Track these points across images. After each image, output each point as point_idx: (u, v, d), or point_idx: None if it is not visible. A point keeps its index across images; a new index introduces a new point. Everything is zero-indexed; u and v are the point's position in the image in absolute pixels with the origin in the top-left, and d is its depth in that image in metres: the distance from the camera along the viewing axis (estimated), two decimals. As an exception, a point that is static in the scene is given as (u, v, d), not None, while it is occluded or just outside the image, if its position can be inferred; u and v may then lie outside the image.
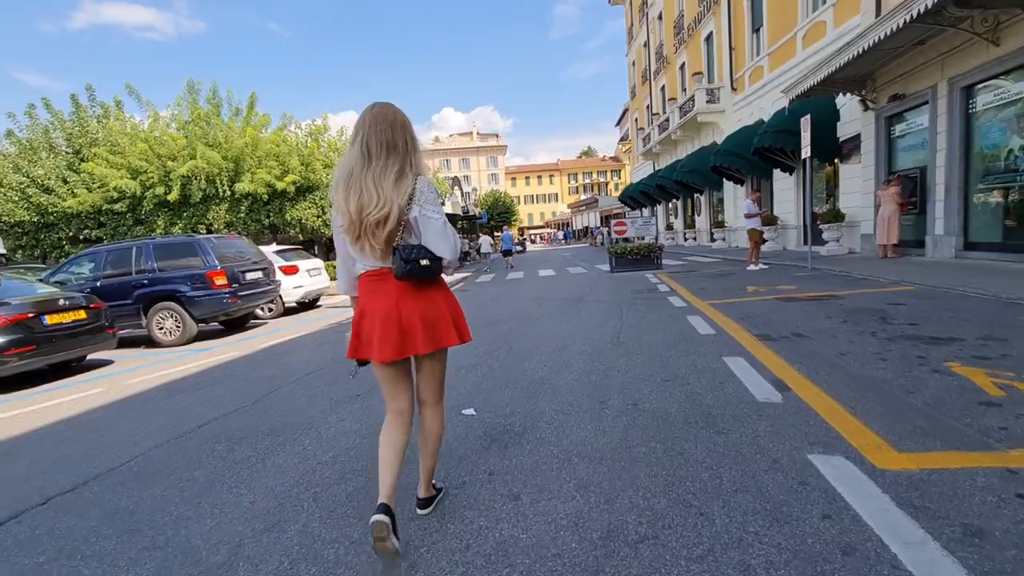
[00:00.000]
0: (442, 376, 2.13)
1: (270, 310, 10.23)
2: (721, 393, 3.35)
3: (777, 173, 15.41)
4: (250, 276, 8.46)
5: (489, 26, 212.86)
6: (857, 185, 11.81)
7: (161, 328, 7.83)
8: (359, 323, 1.95)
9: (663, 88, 27.54)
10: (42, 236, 13.59)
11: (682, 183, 21.65)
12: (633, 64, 34.50)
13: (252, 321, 10.11)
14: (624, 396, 3.48)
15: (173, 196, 12.46)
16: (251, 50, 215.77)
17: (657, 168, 27.90)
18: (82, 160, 13.23)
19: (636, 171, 35.62)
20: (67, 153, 13.72)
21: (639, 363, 4.28)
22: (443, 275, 2.01)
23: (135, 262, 7.90)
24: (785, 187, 15.31)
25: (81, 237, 13.54)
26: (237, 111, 14.67)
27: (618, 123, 69.85)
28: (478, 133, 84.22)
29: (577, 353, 4.85)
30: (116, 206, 13.05)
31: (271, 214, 13.50)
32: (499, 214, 48.59)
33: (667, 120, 24.29)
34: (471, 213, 27.08)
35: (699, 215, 23.40)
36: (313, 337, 7.63)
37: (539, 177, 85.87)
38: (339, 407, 3.92)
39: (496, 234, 28.05)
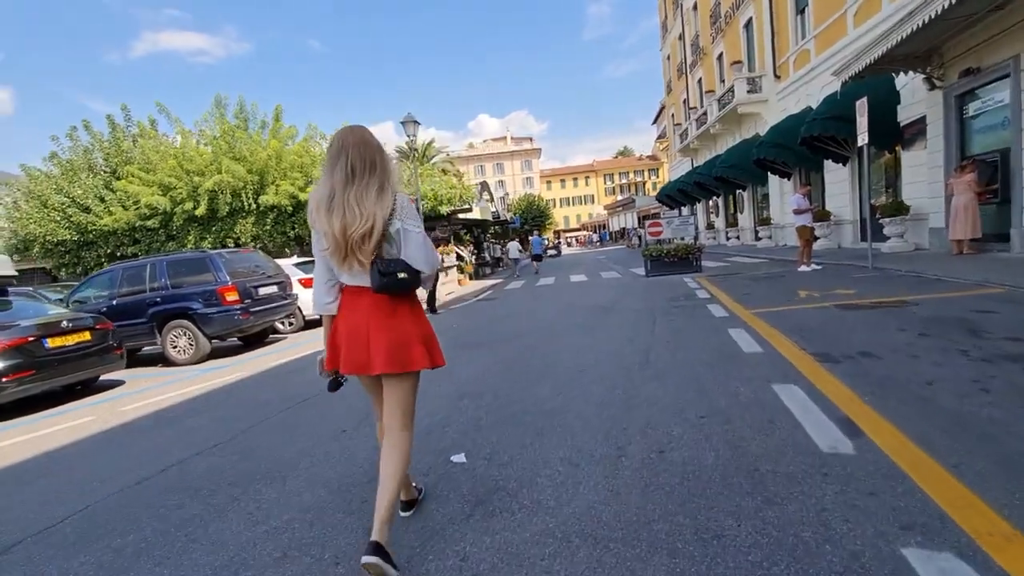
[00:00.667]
0: (408, 402, 2.04)
1: (290, 324, 10.02)
2: (772, 438, 2.65)
3: (828, 164, 14.17)
4: (264, 291, 8.21)
5: (522, 30, 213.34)
6: (922, 173, 10.57)
7: (175, 346, 7.67)
8: (332, 336, 2.01)
9: (700, 81, 26.33)
10: (83, 254, 14.01)
11: (723, 179, 20.46)
12: (668, 58, 33.30)
13: (273, 336, 9.92)
14: (648, 439, 2.82)
15: (200, 211, 12.56)
16: (293, 67, 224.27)
17: (695, 165, 26.67)
18: (118, 179, 13.55)
19: (674, 169, 34.33)
20: (104, 173, 14.12)
21: (670, 391, 3.60)
22: (421, 291, 2.05)
23: (149, 279, 7.78)
24: (838, 179, 14.05)
25: (118, 254, 13.88)
26: (263, 124, 14.77)
27: (655, 121, 68.01)
28: (512, 137, 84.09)
29: (598, 377, 4.21)
30: (149, 223, 13.29)
31: (296, 226, 13.44)
32: (533, 218, 48.02)
33: (705, 114, 23.12)
34: (502, 218, 26.63)
35: (742, 212, 22.09)
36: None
37: (574, 179, 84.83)
38: (319, 447, 3.44)
39: (529, 239, 27.55)
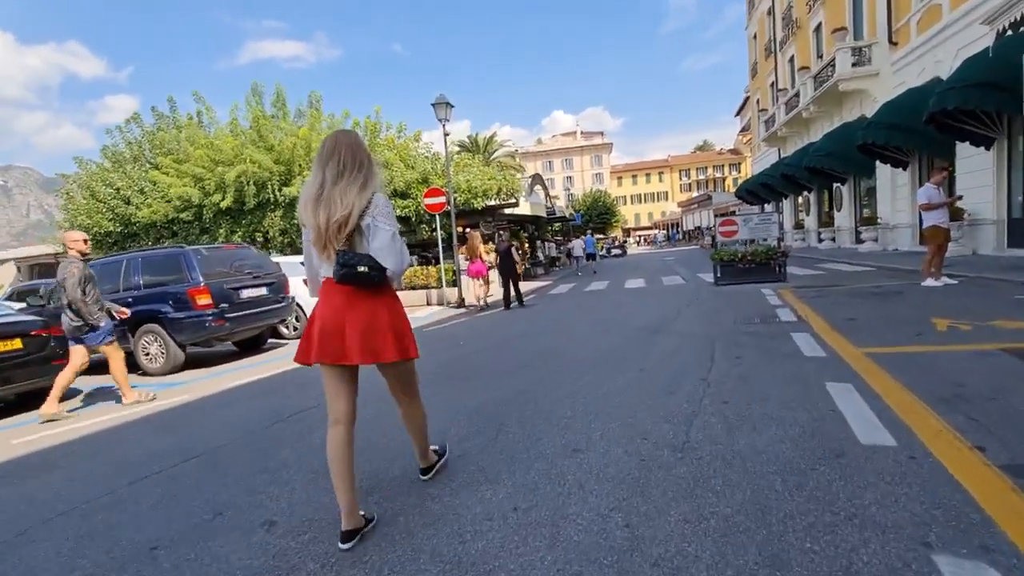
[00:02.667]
0: (405, 382, 2.31)
1: (294, 329, 8.99)
2: None
3: (962, 149, 11.17)
4: (248, 293, 7.14)
5: (600, 24, 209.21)
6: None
7: (147, 354, 6.78)
8: (309, 325, 2.10)
9: (791, 59, 22.97)
10: (127, 246, 14.03)
11: (816, 170, 17.41)
12: (754, 38, 29.78)
13: (276, 340, 8.94)
14: None
15: (226, 203, 11.99)
16: (378, 70, 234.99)
17: (783, 156, 23.39)
18: (157, 170, 13.37)
19: (757, 161, 30.79)
20: (149, 165, 14.03)
21: (714, 533, 1.85)
22: (395, 287, 2.23)
23: (123, 277, 6.95)
24: (977, 167, 11.01)
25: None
26: (300, 113, 14.09)
27: (738, 112, 62.60)
28: (582, 132, 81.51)
29: (597, 471, 2.53)
30: (183, 215, 12.96)
31: (324, 219, 12.50)
32: (598, 215, 45.56)
33: (796, 95, 19.98)
34: (559, 214, 24.78)
35: (839, 210, 18.80)
36: (302, 374, 6.02)
37: (647, 175, 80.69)
38: (183, 539, 2.05)
39: (583, 238, 25.73)
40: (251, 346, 8.11)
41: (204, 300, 6.51)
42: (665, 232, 60.79)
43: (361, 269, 1.92)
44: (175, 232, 13.57)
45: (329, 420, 2.11)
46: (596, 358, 5.09)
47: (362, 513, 2.15)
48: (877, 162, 14.49)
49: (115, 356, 5.15)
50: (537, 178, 19.31)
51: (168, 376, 6.62)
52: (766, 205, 26.27)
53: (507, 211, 15.61)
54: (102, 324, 5.00)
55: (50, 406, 4.85)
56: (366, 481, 2.69)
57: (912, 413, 2.85)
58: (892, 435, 2.59)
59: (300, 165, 12.16)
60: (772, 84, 26.38)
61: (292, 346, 8.30)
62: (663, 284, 12.43)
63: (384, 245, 1.99)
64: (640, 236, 67.85)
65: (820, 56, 19.41)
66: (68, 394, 6.23)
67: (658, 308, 8.30)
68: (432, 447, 2.65)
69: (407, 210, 12.24)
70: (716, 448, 2.67)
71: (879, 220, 15.00)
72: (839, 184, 18.23)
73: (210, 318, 6.51)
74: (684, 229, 57.68)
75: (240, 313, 6.94)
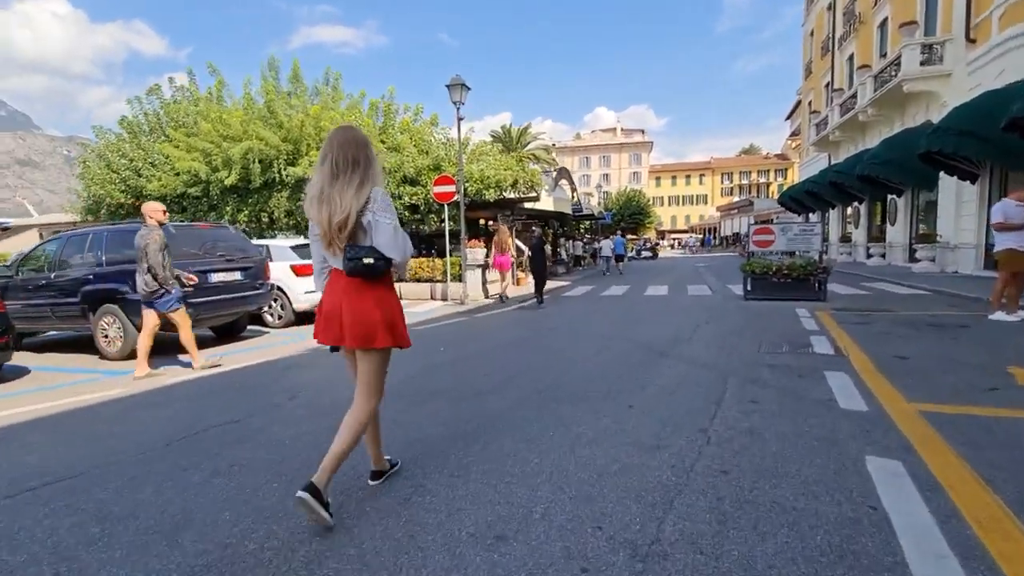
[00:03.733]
0: (371, 376, 2.26)
1: (279, 317, 8.44)
2: None
3: (1047, 162, 9.69)
4: (218, 277, 6.58)
5: (651, 18, 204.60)
6: None
7: (106, 336, 6.29)
8: (318, 311, 2.28)
9: (851, 57, 21.17)
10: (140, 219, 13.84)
11: (870, 179, 15.84)
12: (811, 34, 27.81)
13: (259, 327, 8.41)
14: None
15: (231, 180, 11.56)
16: (423, 59, 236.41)
17: (833, 162, 21.68)
18: (169, 143, 13.08)
19: (805, 168, 28.90)
20: (164, 138, 13.78)
21: None
22: (395, 278, 2.35)
23: (88, 252, 6.48)
24: (1062, 184, 9.51)
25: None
26: (317, 91, 13.56)
27: (789, 116, 59.58)
28: (622, 129, 79.44)
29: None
30: (191, 190, 12.64)
31: (330, 202, 11.93)
32: (631, 215, 44.02)
33: (853, 97, 18.33)
34: (586, 211, 23.66)
35: (892, 224, 17.16)
36: (257, 374, 5.41)
37: (687, 177, 78.04)
38: None
39: (612, 238, 24.72)
40: (227, 332, 7.58)
41: (165, 282, 5.95)
42: (698, 236, 58.44)
43: (367, 261, 2.06)
44: (184, 207, 13.28)
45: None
46: (582, 384, 4.25)
47: (387, 458, 2.65)
48: (941, 173, 12.97)
49: (184, 323, 5.43)
50: (563, 172, 18.28)
51: (126, 362, 6.11)
52: (811, 215, 24.55)
53: (527, 205, 14.75)
54: (173, 290, 5.30)
55: (141, 368, 5.22)
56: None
57: (996, 530, 1.93)
58: (959, 564, 1.70)
59: (308, 144, 11.62)
60: (827, 85, 24.54)
61: (269, 337, 7.74)
62: (687, 294, 11.40)
63: (387, 239, 2.11)
64: (674, 239, 65.61)
65: (884, 55, 17.71)
66: (11, 375, 5.79)
67: (673, 323, 7.35)
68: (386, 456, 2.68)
69: (416, 198, 11.53)
70: (695, 559, 1.84)
71: (938, 238, 13.45)
72: (894, 196, 16.60)
73: (171, 301, 5.95)
74: (722, 235, 55.47)
75: (207, 299, 6.38)
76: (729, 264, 23.61)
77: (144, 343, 5.24)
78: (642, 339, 6.18)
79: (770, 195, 63.67)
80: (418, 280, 11.68)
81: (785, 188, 34.97)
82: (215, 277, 6.53)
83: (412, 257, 12.51)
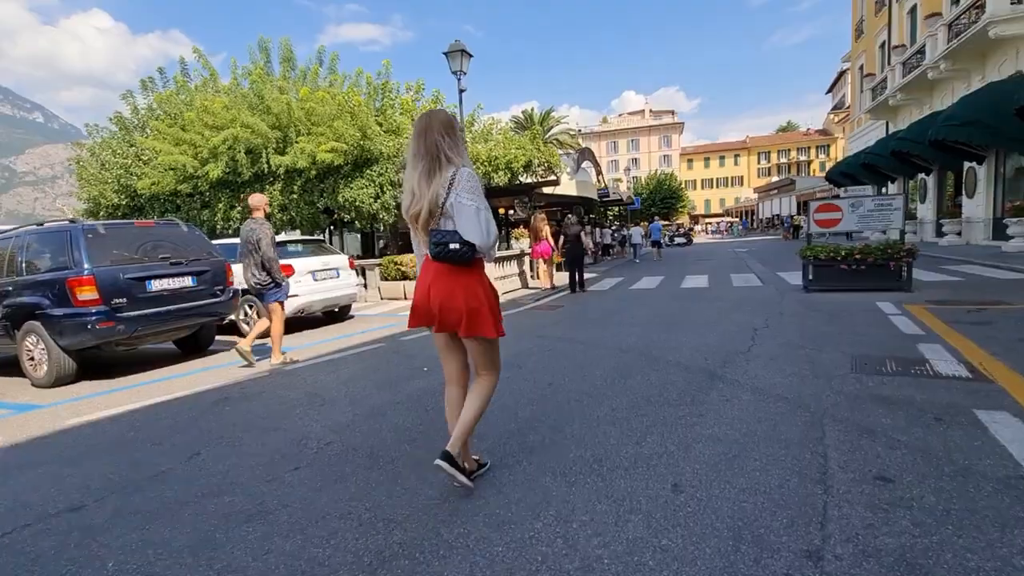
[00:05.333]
0: (483, 357, 2.25)
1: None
2: None
3: None
4: (162, 285, 5.45)
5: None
6: None
7: (31, 358, 5.26)
8: (414, 297, 2.26)
9: (913, 9, 18.67)
10: (134, 219, 13.10)
11: (944, 145, 13.68)
12: (862, -10, 25.10)
13: (234, 336, 7.31)
14: None
15: (216, 173, 10.53)
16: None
17: (895, 129, 19.29)
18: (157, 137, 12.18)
19: (855, 139, 26.29)
20: (155, 133, 12.91)
21: None
22: (487, 264, 2.29)
23: (11, 259, 5.44)
24: None
25: (163, 222, 12.70)
26: (304, 74, 12.36)
27: (830, 89, 55.68)
28: (651, 111, 76.32)
29: None
30: (182, 187, 11.71)
31: (324, 194, 10.87)
32: (662, 199, 41.72)
33: (920, 52, 16.02)
34: (613, 197, 21.90)
35: (971, 197, 14.88)
36: (187, 406, 4.25)
37: (721, 158, 74.33)
38: None
39: (648, 224, 23.04)
40: (194, 347, 6.51)
41: (87, 294, 4.86)
42: (728, 221, 55.24)
43: (452, 247, 2.04)
44: (178, 206, 12.41)
45: (445, 377, 2.38)
46: (592, 443, 2.85)
47: (475, 457, 2.49)
48: (1040, 132, 10.84)
49: (279, 316, 5.45)
50: (587, 153, 16.56)
51: (53, 389, 5.06)
52: (886, 187, 22.08)
53: (546, 190, 13.30)
54: (283, 283, 5.41)
55: (275, 356, 5.34)
56: None
57: None
58: None
59: (298, 130, 10.47)
60: (883, 45, 21.98)
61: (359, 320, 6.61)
62: (732, 285, 9.76)
63: (468, 222, 2.06)
64: (707, 224, 62.52)
65: (956, 2, 15.34)
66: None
67: (721, 327, 5.84)
68: (474, 455, 2.49)
69: (417, 184, 10.21)
70: None
71: (1038, 211, 11.31)
72: (973, 164, 14.34)
73: (94, 318, 4.86)
74: (760, 217, 52.38)
75: (146, 311, 5.26)
76: (774, 250, 21.54)
77: (276, 328, 5.39)
78: (682, 352, 4.71)
79: (812, 173, 59.78)
80: (405, 278, 10.41)
81: (831, 165, 32.16)
82: (156, 284, 5.40)
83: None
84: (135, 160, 12.37)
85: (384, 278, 10.72)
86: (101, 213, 13.68)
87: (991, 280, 8.05)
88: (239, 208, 11.49)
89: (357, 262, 10.20)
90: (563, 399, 3.65)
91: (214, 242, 7.40)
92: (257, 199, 5.40)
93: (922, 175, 17.96)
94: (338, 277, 7.99)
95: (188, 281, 5.73)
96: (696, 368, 4.14)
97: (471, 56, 8.89)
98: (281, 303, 5.45)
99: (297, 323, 7.92)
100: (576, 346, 5.43)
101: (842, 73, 48.73)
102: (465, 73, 8.91)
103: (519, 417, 3.31)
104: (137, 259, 5.38)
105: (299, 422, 3.54)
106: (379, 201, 10.15)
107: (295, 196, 10.87)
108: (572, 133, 37.31)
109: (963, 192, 15.38)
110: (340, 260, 8.16)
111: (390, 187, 10.27)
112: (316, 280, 7.60)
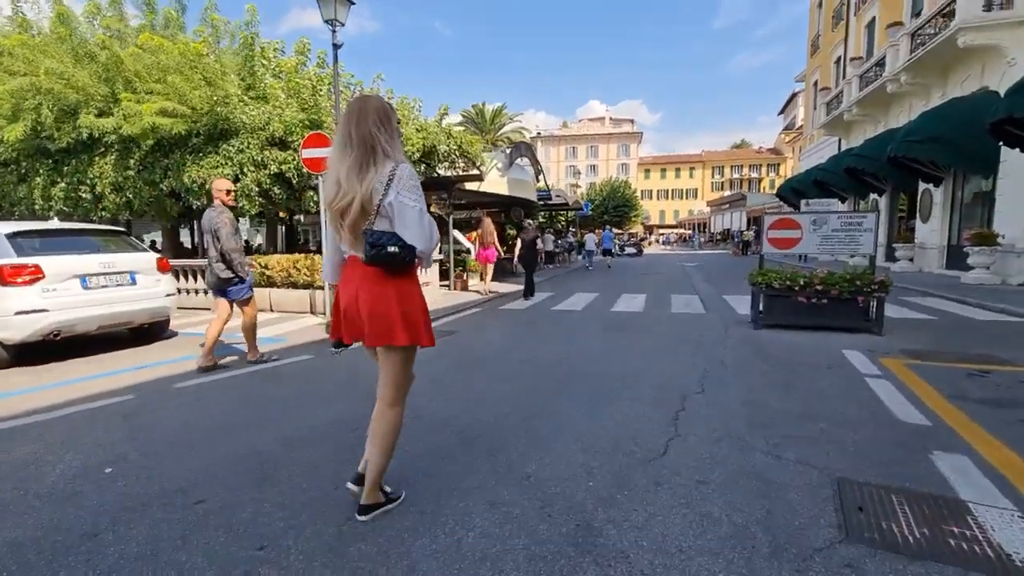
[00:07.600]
0: (395, 375, 2.03)
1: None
2: None
3: None
4: None
5: (646, 12, 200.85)
6: None
7: None
8: (335, 305, 2.07)
9: (872, 21, 17.91)
10: None
11: (901, 163, 12.70)
12: (819, 5, 24.58)
13: (182, 326, 4.94)
14: None
15: (14, 135, 7.96)
16: (417, 47, 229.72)
17: (848, 146, 18.52)
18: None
19: (808, 156, 25.76)
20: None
21: None
22: (419, 270, 2.02)
23: None
24: None
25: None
26: (167, 21, 9.85)
27: (782, 110, 56.81)
28: (611, 119, 75.94)
29: None
30: (-9, 155, 8.96)
31: (169, 173, 8.55)
32: (615, 207, 40.63)
33: (880, 64, 15.11)
34: (557, 200, 20.21)
35: (925, 221, 13.99)
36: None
37: (677, 170, 74.72)
38: None
39: (599, 232, 22.06)
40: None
41: None
42: (678, 233, 55.36)
43: (391, 249, 1.82)
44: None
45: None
46: None
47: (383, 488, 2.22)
48: (1002, 153, 9.86)
49: (250, 313, 4.88)
50: (523, 148, 14.49)
51: None
52: (834, 203, 21.34)
53: (468, 186, 11.33)
54: (247, 277, 4.75)
55: (205, 359, 4.65)
56: None
57: None
58: None
59: (132, 85, 8.02)
60: (838, 60, 21.36)
61: (182, 341, 4.27)
62: (670, 311, 8.10)
63: (410, 223, 1.86)
64: (661, 235, 62.38)
65: (918, 13, 14.48)
66: None
67: (638, 387, 4.03)
68: (384, 487, 2.22)
69: (286, 167, 7.98)
70: None
71: (999, 239, 10.28)
72: (930, 185, 13.43)
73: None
74: (712, 231, 52.45)
75: None
76: (720, 264, 20.45)
77: (214, 332, 4.69)
78: (552, 455, 2.84)
79: (762, 190, 60.67)
80: (294, 285, 8.19)
81: (780, 182, 31.83)
82: None
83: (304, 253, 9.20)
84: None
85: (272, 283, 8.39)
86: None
87: (970, 322, 6.68)
88: (63, 185, 8.90)
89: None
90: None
91: (30, 225, 5.55)
92: (217, 184, 4.70)
93: (874, 195, 17.17)
94: (133, 284, 5.71)
95: None
96: (557, 511, 2.25)
97: (351, 3, 6.81)
98: (251, 298, 4.84)
99: (76, 342, 5.58)
100: (425, 413, 3.45)
101: (794, 95, 49.62)
102: (342, 24, 6.83)
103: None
104: None
105: None
106: (239, 185, 7.86)
107: (131, 173, 8.39)
108: (524, 133, 35.54)
109: (917, 215, 14.51)
110: (139, 260, 5.85)
111: (253, 168, 8.00)
112: (87, 288, 5.31)
